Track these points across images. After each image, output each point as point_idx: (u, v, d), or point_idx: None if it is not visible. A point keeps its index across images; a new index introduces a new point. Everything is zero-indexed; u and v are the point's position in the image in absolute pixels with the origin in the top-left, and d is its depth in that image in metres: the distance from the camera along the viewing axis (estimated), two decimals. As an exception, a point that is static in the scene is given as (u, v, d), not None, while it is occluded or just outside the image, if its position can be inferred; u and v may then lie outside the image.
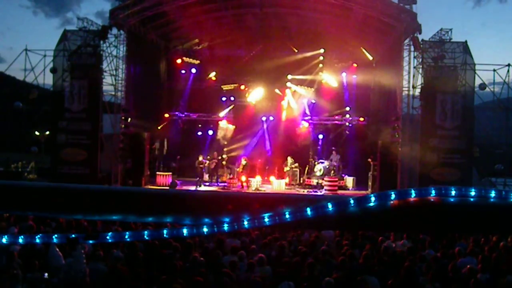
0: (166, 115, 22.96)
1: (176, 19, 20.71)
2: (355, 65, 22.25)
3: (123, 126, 19.11)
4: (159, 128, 22.44)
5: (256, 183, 19.60)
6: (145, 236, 3.38)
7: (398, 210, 2.80)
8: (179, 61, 22.90)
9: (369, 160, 19.83)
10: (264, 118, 23.03)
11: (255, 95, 22.86)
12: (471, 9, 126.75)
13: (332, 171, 20.73)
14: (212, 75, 23.33)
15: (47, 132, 21.05)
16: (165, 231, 3.18)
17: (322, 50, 22.22)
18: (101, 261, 6.94)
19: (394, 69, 18.71)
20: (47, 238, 5.24)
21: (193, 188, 19.46)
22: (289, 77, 22.67)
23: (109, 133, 19.18)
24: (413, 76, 17.95)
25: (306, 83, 22.85)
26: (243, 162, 20.12)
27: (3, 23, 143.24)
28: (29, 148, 20.10)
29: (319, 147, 22.44)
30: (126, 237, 3.63)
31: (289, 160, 21.02)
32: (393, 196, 2.66)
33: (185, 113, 22.97)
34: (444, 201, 2.71)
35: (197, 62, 23.35)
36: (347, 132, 22.44)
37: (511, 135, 18.49)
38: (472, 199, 2.66)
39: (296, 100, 23.05)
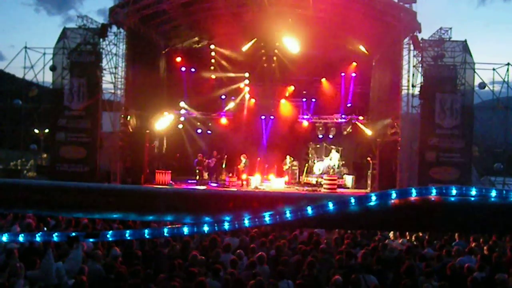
0: (166, 113, 22.93)
1: (175, 17, 20.68)
2: (354, 64, 22.24)
3: (122, 124, 19.10)
4: (158, 126, 22.42)
5: (255, 182, 19.61)
6: (146, 235, 3.37)
7: (398, 209, 2.80)
8: (178, 59, 22.88)
9: (368, 158, 19.85)
10: (263, 117, 23.03)
11: (255, 93, 22.86)
12: (475, 8, 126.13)
13: (331, 170, 20.74)
14: (212, 73, 23.33)
15: (47, 130, 21.02)
16: (165, 230, 3.18)
17: (322, 49, 22.23)
18: (100, 260, 6.94)
19: (393, 68, 18.71)
20: (48, 236, 5.23)
21: (192, 186, 19.45)
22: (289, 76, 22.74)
23: (109, 131, 19.18)
24: (413, 75, 17.98)
25: (305, 82, 22.89)
26: (243, 160, 20.13)
27: (4, 21, 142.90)
28: (28, 145, 20.08)
29: (318, 146, 22.45)
30: (127, 235, 3.62)
31: (288, 158, 21.04)
32: (394, 195, 2.66)
33: (185, 111, 22.95)
34: (444, 200, 2.71)
35: (196, 60, 23.35)
36: (346, 130, 22.43)
37: (510, 134, 18.50)
38: (473, 199, 2.67)
39: (295, 98, 23.09)
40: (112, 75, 18.74)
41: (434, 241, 9.26)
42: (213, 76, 23.45)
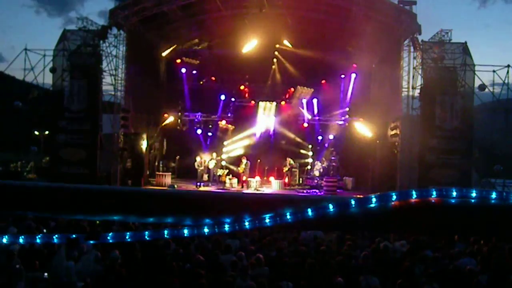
0: (166, 115, 22.93)
1: (175, 19, 20.69)
2: (354, 65, 22.24)
3: (122, 126, 19.10)
4: (158, 128, 22.41)
5: (255, 183, 19.60)
6: (146, 237, 3.37)
7: (399, 211, 2.80)
8: (179, 61, 22.88)
9: (369, 160, 19.84)
10: (263, 118, 23.00)
11: (255, 95, 22.86)
12: (476, 10, 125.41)
13: (331, 172, 20.74)
14: (212, 75, 23.32)
15: (47, 132, 21.01)
16: (166, 232, 3.18)
17: (322, 51, 22.23)
18: (100, 261, 6.93)
19: (393, 70, 18.72)
20: (47, 238, 5.23)
21: (192, 188, 19.45)
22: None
23: (109, 133, 19.17)
24: (413, 76, 18.00)
25: (306, 83, 22.90)
26: (243, 162, 20.11)
27: (5, 22, 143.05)
28: (29, 147, 20.08)
29: (318, 147, 22.44)
30: (127, 237, 3.62)
31: (288, 160, 21.02)
32: (394, 197, 2.66)
33: (185, 113, 22.95)
34: (445, 202, 2.70)
35: (196, 62, 23.35)
36: (346, 132, 22.43)
37: (510, 136, 18.48)
38: (473, 201, 2.66)
39: (297, 100, 23.12)
40: (112, 77, 18.76)
41: (434, 243, 9.24)
42: (213, 78, 23.45)
